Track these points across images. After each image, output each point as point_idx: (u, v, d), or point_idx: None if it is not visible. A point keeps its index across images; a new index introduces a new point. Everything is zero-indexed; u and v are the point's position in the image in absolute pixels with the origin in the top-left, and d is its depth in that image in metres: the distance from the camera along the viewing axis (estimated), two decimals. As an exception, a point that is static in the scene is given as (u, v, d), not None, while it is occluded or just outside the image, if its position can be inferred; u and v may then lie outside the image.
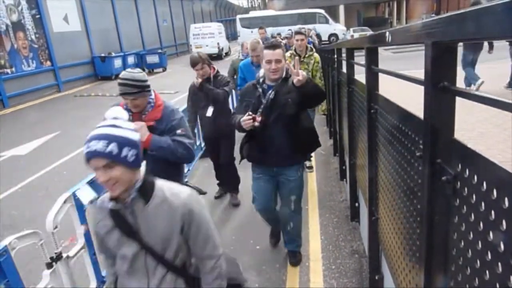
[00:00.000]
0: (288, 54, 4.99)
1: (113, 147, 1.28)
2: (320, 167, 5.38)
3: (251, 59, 4.78)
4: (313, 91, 2.66)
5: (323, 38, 22.67)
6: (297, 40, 4.91)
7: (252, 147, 2.91)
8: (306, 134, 2.92)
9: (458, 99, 1.05)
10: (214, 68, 4.07)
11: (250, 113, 2.68)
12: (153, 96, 2.45)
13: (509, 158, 3.72)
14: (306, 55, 4.88)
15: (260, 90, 2.83)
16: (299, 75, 2.55)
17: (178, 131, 2.41)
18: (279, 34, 11.68)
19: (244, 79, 4.72)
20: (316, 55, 4.97)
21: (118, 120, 1.40)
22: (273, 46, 2.76)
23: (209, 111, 4.08)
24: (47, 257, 2.19)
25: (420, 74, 1.20)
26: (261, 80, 2.88)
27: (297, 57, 4.68)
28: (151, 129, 2.36)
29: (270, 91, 2.79)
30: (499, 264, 0.80)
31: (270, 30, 15.45)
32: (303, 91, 2.60)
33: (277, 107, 2.75)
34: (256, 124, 2.66)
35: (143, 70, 19.38)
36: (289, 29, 8.65)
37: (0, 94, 12.29)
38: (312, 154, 5.26)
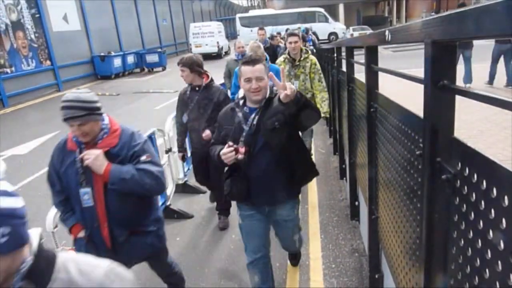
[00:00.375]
0: (281, 58, 4.72)
1: None
2: (320, 166, 5.38)
3: None
4: (306, 108, 2.11)
5: (323, 37, 22.64)
6: (290, 43, 4.46)
7: (237, 183, 2.35)
8: (301, 162, 2.44)
9: (458, 98, 1.05)
10: (207, 76, 3.65)
11: (231, 143, 2.21)
12: (107, 122, 2.07)
13: (509, 157, 3.73)
14: (302, 58, 4.53)
15: (241, 114, 2.32)
16: (287, 89, 2.02)
17: (143, 158, 2.05)
18: (279, 33, 11.66)
19: (238, 87, 4.60)
20: (312, 57, 4.62)
21: None
22: (252, 61, 2.27)
23: (185, 117, 3.67)
24: (47, 257, 2.18)
25: (420, 72, 1.20)
26: (240, 102, 2.39)
27: (282, 67, 4.35)
28: (108, 157, 2.00)
29: (253, 115, 2.28)
30: (499, 262, 0.80)
31: (269, 29, 15.45)
32: (293, 110, 2.07)
33: (262, 134, 2.25)
34: (240, 156, 2.20)
35: (143, 69, 19.62)
36: (287, 29, 8.58)
37: (0, 94, 12.30)
38: (312, 152, 5.27)
